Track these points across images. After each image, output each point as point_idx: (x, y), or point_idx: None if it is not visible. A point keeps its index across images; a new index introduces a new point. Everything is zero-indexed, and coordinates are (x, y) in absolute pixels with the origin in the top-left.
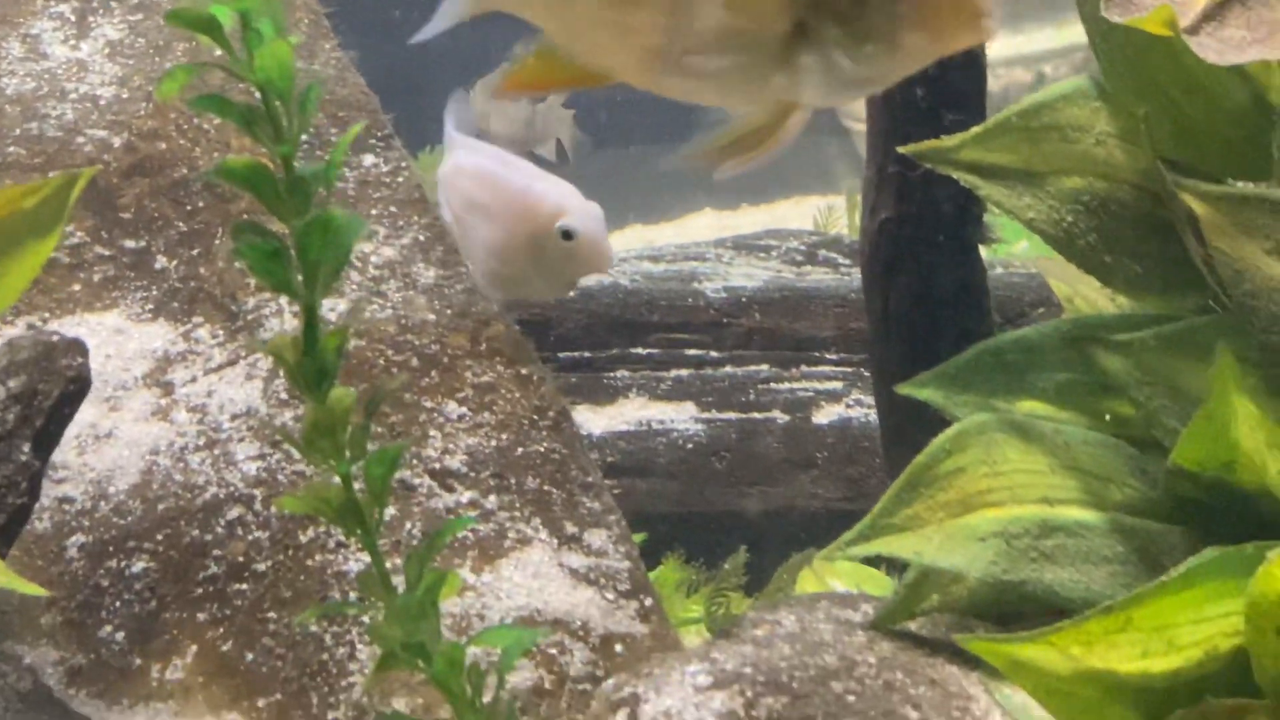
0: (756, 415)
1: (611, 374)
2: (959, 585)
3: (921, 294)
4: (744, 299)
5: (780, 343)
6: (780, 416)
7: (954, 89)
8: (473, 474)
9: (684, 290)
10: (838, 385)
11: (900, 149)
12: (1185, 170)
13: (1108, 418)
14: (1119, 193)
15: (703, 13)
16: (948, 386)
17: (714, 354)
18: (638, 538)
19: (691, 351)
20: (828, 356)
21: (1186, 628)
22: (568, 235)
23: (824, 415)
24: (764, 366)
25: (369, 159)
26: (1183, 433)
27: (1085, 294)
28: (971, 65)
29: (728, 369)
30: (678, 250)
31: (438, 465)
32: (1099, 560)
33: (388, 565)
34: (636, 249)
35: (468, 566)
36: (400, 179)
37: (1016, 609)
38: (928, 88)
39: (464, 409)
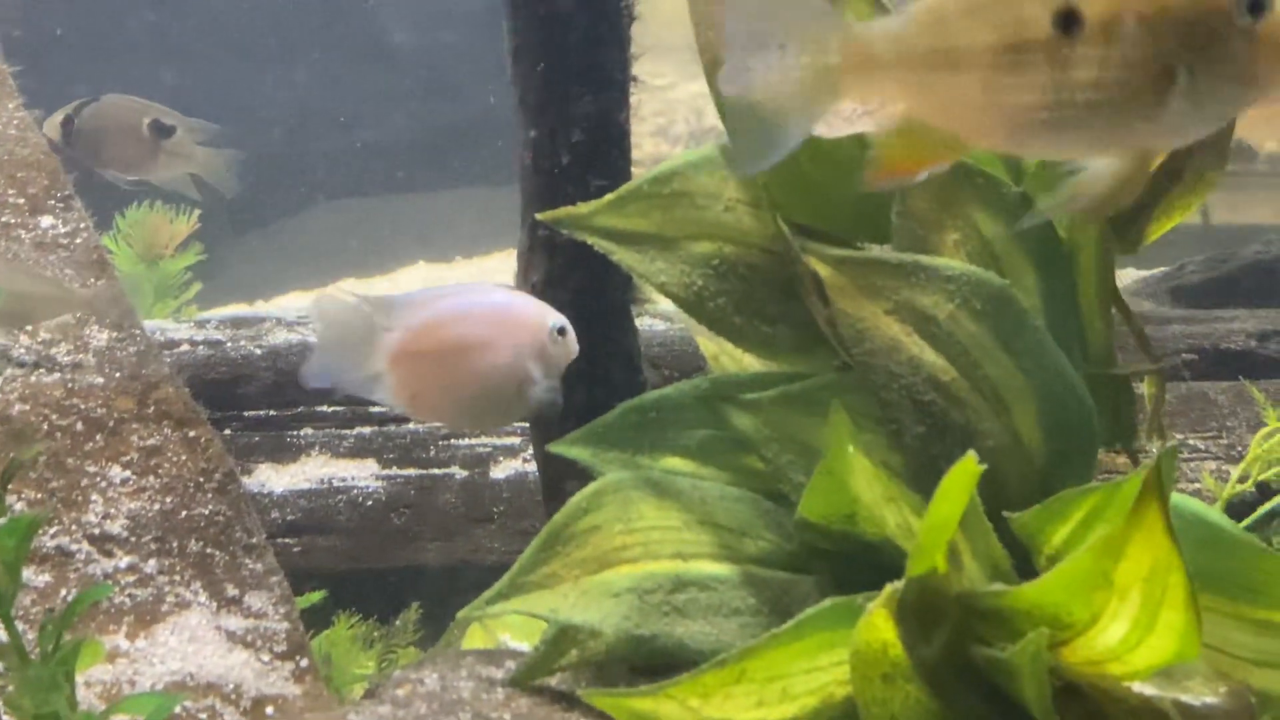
0: (436, 471)
1: (296, 432)
2: (597, 641)
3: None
4: None
5: None
6: (459, 472)
7: (599, 155)
8: (134, 538)
9: None
10: (515, 440)
11: (539, 215)
12: (814, 234)
13: (745, 473)
14: (748, 256)
15: (1081, 68)
16: (595, 444)
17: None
18: (316, 595)
19: (376, 409)
20: None
21: (800, 677)
22: (562, 332)
23: (501, 470)
24: None
25: (46, 220)
26: (806, 487)
27: (731, 352)
28: (616, 131)
29: (410, 425)
30: None
31: (97, 530)
32: (730, 612)
33: None
34: None
35: (123, 633)
36: (79, 240)
37: (658, 662)
38: (573, 154)
39: (128, 473)
